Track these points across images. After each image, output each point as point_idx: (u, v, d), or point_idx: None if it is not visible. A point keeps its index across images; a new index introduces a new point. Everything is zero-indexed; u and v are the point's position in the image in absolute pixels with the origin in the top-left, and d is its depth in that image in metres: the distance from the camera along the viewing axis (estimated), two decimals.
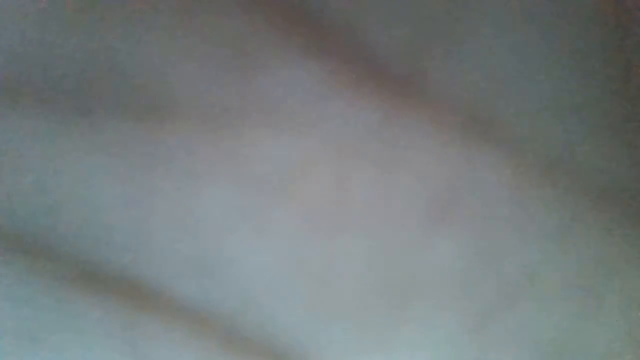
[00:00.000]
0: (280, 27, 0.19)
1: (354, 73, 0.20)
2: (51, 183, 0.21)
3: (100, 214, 0.21)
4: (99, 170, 0.21)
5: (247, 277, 0.22)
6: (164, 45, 0.19)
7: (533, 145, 0.21)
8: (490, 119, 0.21)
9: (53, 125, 0.20)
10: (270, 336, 0.22)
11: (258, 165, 0.21)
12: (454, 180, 0.21)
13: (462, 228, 0.21)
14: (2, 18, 0.19)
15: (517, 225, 0.22)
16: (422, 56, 0.20)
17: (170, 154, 0.20)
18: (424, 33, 0.20)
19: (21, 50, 0.19)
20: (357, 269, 0.22)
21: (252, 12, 0.19)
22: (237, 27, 0.19)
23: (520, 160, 0.21)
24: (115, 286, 0.22)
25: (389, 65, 0.20)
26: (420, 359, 0.22)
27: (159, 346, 0.22)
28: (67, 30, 0.19)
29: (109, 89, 0.20)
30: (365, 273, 0.22)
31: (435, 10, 0.19)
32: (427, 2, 0.19)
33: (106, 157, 0.20)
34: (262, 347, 0.22)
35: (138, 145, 0.20)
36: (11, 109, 0.20)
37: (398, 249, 0.22)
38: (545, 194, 0.21)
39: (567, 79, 0.20)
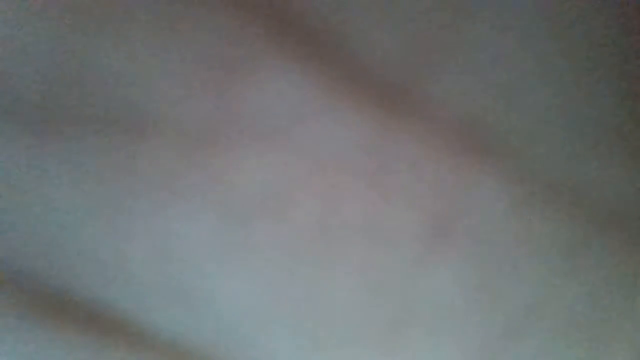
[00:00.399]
0: (268, 39, 0.18)
1: (347, 87, 0.18)
2: (15, 204, 0.19)
3: (71, 238, 0.20)
4: (69, 192, 0.19)
5: (227, 307, 0.20)
6: (141, 55, 0.18)
7: (537, 165, 0.19)
8: (491, 137, 0.19)
9: (17, 142, 0.19)
10: None
11: (242, 187, 0.19)
12: (452, 202, 0.20)
13: (461, 254, 0.20)
14: None
15: (520, 250, 0.20)
16: (420, 70, 0.19)
17: (147, 175, 0.19)
18: (422, 45, 0.18)
19: None
20: (347, 300, 0.20)
21: (239, 21, 0.18)
22: (223, 37, 0.18)
23: (523, 181, 0.20)
24: (86, 316, 0.20)
25: (384, 78, 0.18)
26: None
27: None
28: (35, 38, 0.18)
29: (81, 102, 0.18)
30: (356, 304, 0.20)
31: (434, 21, 0.18)
32: (425, 13, 0.18)
33: (77, 178, 0.19)
34: None
35: (113, 164, 0.19)
36: None
37: (392, 277, 0.20)
38: (549, 217, 0.20)
39: (574, 96, 0.19)
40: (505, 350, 0.21)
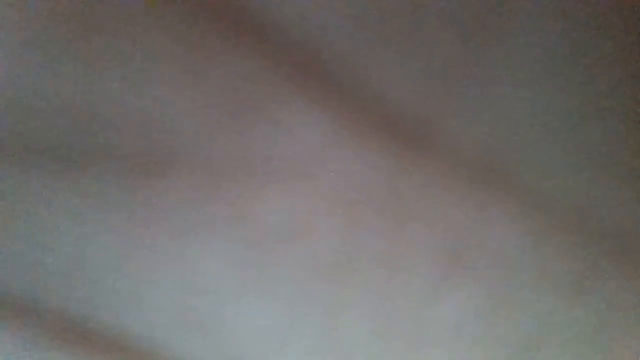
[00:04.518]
0: (287, 77, 0.18)
1: (363, 123, 0.19)
2: (39, 237, 0.19)
3: (91, 269, 0.20)
4: (91, 224, 0.19)
5: (247, 336, 0.21)
6: (164, 93, 0.18)
7: (548, 194, 0.20)
8: (505, 168, 0.20)
9: (41, 177, 0.19)
10: None
11: (260, 219, 0.20)
12: (467, 231, 0.20)
13: (475, 280, 0.20)
14: None
15: (532, 276, 0.21)
16: (435, 106, 0.19)
17: (167, 207, 0.19)
18: (436, 82, 0.19)
19: (7, 97, 0.18)
20: (364, 327, 0.21)
21: (257, 61, 0.18)
22: (242, 75, 0.18)
23: (535, 209, 0.20)
24: (105, 345, 0.20)
25: (399, 114, 0.19)
26: None
27: None
28: (59, 77, 0.18)
29: (105, 141, 0.19)
30: (373, 331, 0.21)
31: (449, 59, 0.18)
32: (439, 51, 0.18)
33: (99, 211, 0.19)
34: None
35: (134, 197, 0.19)
36: None
37: (408, 305, 0.21)
38: (559, 244, 0.20)
39: (584, 127, 0.19)
40: None
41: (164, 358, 0.21)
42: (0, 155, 0.18)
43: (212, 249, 0.20)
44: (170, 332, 0.21)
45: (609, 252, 0.21)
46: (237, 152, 0.19)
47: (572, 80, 0.19)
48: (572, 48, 0.18)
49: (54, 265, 0.20)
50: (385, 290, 0.20)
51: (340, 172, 0.19)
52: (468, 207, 0.20)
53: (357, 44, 0.18)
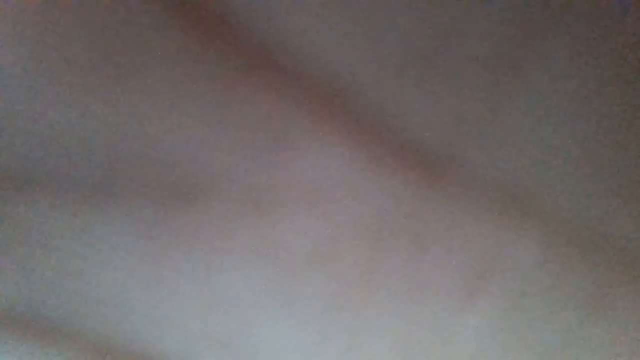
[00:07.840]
0: (310, 109, 0.19)
1: (385, 151, 0.19)
2: (69, 265, 0.20)
3: (122, 294, 0.20)
4: (121, 251, 0.20)
5: (273, 356, 0.21)
6: (193, 126, 0.19)
7: (568, 219, 0.20)
8: (524, 193, 0.20)
9: (72, 206, 0.19)
10: None
11: (288, 244, 0.20)
12: (488, 257, 0.20)
13: (495, 304, 0.21)
14: (20, 98, 0.18)
15: (551, 298, 0.21)
16: (458, 135, 0.19)
17: (196, 235, 0.20)
18: (457, 111, 0.19)
19: (37, 135, 0.19)
20: (389, 347, 0.21)
21: (282, 95, 0.19)
22: (267, 109, 0.19)
23: (554, 232, 0.20)
24: None
25: (422, 143, 0.19)
26: None
27: None
28: (90, 110, 0.19)
29: (134, 173, 0.19)
30: (398, 350, 0.21)
31: (471, 89, 0.19)
32: (461, 82, 0.19)
33: (129, 238, 0.20)
34: None
35: (163, 225, 0.20)
36: (28, 190, 0.19)
37: (431, 325, 0.21)
38: (579, 268, 0.21)
39: (603, 154, 0.20)
40: None
41: None
42: (32, 190, 0.19)
43: (240, 273, 0.20)
44: (199, 352, 0.21)
45: (627, 271, 0.21)
46: (262, 182, 0.19)
47: (594, 110, 0.19)
48: (596, 80, 0.19)
49: (86, 292, 0.20)
50: (408, 311, 0.21)
51: (363, 198, 0.20)
52: (488, 230, 0.20)
53: (379, 77, 0.19)
